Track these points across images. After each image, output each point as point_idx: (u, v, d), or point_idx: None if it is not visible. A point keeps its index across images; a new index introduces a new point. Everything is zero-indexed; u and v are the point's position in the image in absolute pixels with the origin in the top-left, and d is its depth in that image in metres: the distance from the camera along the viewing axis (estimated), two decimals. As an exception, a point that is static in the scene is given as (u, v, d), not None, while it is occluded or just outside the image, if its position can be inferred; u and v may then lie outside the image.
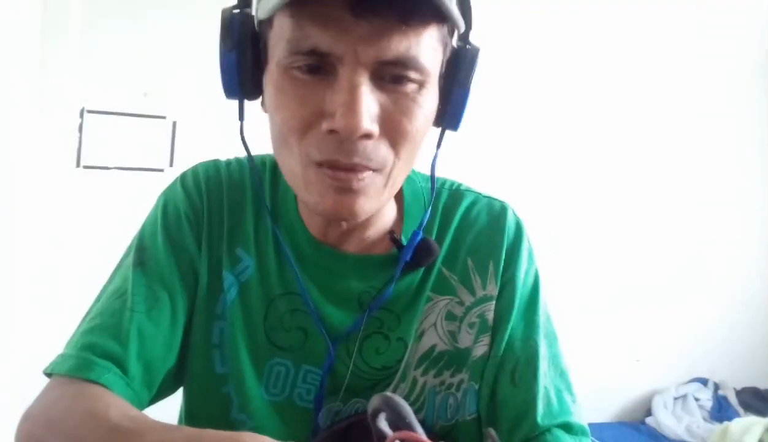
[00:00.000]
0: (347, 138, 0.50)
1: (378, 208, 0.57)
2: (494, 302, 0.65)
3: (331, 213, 0.54)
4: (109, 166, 1.95)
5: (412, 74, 0.51)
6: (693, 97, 2.64)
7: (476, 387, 0.65)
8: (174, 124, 1.99)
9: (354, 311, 0.64)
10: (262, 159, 0.70)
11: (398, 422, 0.46)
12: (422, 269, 0.65)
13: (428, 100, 0.54)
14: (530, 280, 0.68)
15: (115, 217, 1.94)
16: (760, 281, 2.79)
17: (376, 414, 0.48)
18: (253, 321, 0.64)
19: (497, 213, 0.68)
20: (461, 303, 0.65)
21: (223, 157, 0.72)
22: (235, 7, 0.56)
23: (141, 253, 0.64)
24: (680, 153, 2.64)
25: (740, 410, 2.53)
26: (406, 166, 0.56)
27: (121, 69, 1.93)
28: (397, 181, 0.57)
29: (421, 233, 0.64)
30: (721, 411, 2.51)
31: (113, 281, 0.65)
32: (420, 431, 0.46)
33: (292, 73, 0.51)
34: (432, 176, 0.65)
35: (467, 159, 2.26)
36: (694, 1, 2.59)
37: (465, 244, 0.67)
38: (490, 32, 2.35)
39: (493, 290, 0.66)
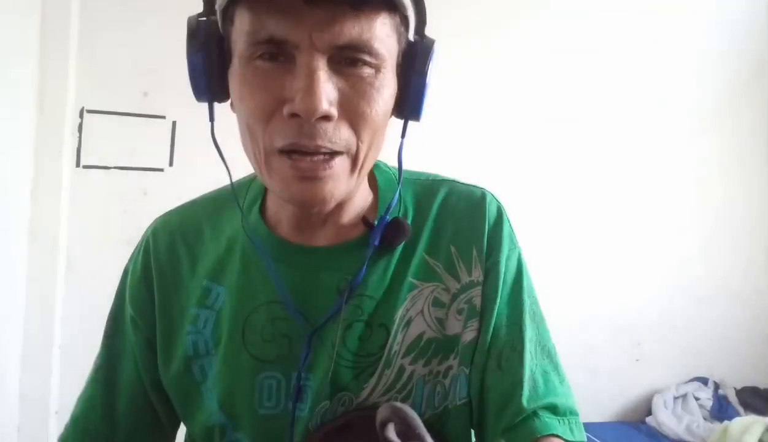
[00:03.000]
0: (307, 121, 0.52)
1: (346, 193, 0.58)
2: (481, 288, 0.66)
3: (299, 200, 0.56)
4: (109, 166, 1.95)
5: (367, 58, 0.54)
6: (690, 95, 2.64)
7: (467, 372, 0.65)
8: (174, 124, 1.99)
9: (335, 302, 0.63)
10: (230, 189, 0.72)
11: (408, 433, 0.46)
12: (398, 253, 0.65)
13: (385, 85, 0.56)
14: (513, 264, 0.68)
15: (115, 217, 1.95)
16: (760, 281, 2.79)
17: (384, 424, 0.47)
18: (232, 343, 0.65)
19: (477, 199, 0.69)
20: (447, 290, 0.66)
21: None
22: (200, 15, 0.59)
23: (109, 324, 0.73)
24: (680, 152, 2.64)
25: (740, 409, 2.53)
26: (371, 150, 0.58)
27: (121, 69, 1.93)
28: (365, 166, 0.58)
29: (388, 217, 0.65)
30: (721, 410, 2.51)
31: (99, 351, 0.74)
32: (430, 441, 0.45)
33: (254, 64, 0.54)
34: (399, 165, 0.66)
35: (465, 157, 2.26)
36: (692, 1, 2.59)
37: (446, 231, 0.67)
38: (489, 30, 2.36)
39: (478, 275, 0.66)
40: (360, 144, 0.56)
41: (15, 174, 1.71)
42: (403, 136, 0.64)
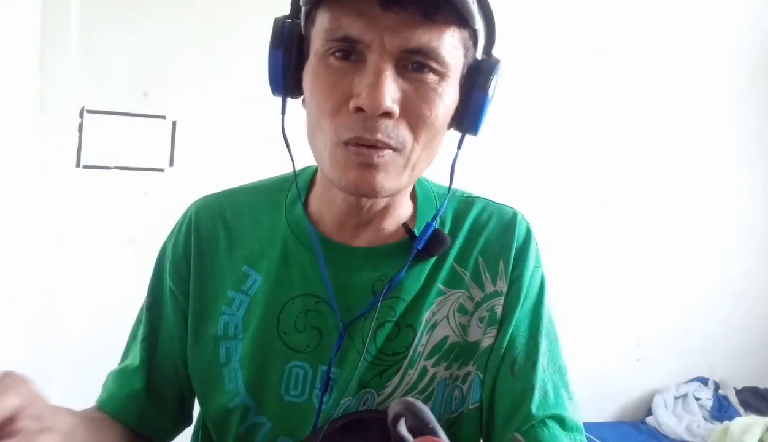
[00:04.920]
0: (371, 116, 0.55)
1: (396, 189, 0.61)
2: (503, 298, 0.69)
3: (353, 187, 0.58)
4: (109, 166, 1.95)
5: (433, 64, 0.57)
6: (689, 95, 2.64)
7: (481, 377, 0.68)
8: (174, 124, 1.99)
9: (368, 300, 0.67)
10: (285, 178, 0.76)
11: (421, 428, 0.46)
12: (432, 261, 0.69)
13: (447, 92, 0.59)
14: (536, 281, 0.72)
15: (115, 217, 1.95)
16: (760, 280, 2.79)
17: (397, 420, 0.47)
18: (267, 329, 0.68)
19: (508, 218, 0.73)
20: (471, 298, 0.69)
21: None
22: (286, 17, 0.64)
23: (149, 298, 0.76)
24: (679, 152, 2.64)
25: (741, 409, 2.53)
26: (425, 152, 0.60)
27: (121, 69, 1.93)
28: (417, 167, 0.61)
29: (434, 224, 0.68)
30: (721, 410, 2.51)
31: (137, 322, 0.77)
32: (443, 437, 0.45)
33: (328, 60, 0.58)
34: (451, 174, 0.69)
35: (472, 160, 2.26)
36: (690, 1, 2.59)
37: (477, 244, 0.71)
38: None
39: (502, 286, 0.70)
40: (415, 144, 0.58)
41: (15, 174, 1.70)
42: (459, 147, 0.67)
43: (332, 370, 0.66)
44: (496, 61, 0.63)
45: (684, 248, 2.67)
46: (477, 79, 0.62)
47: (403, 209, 0.70)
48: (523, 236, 0.72)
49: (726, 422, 2.17)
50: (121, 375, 0.74)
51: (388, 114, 0.55)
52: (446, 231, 0.71)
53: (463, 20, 0.57)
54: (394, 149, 0.58)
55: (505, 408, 0.66)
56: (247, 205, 0.74)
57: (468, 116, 0.63)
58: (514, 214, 0.74)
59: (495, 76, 0.63)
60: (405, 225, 0.68)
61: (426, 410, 0.47)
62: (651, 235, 2.63)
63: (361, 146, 0.57)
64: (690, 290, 2.69)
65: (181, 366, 0.72)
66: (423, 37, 0.55)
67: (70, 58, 1.85)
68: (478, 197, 0.76)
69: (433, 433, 0.45)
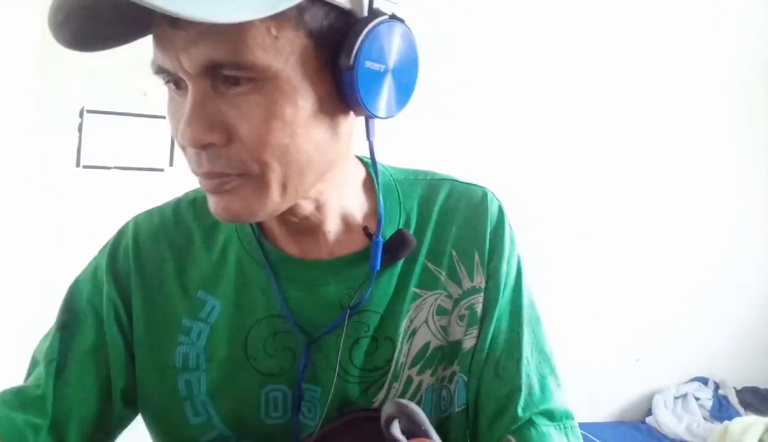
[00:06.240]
0: (194, 150, 0.49)
1: (272, 208, 0.53)
2: (482, 294, 0.65)
3: (217, 215, 0.53)
4: (109, 166, 1.95)
5: (244, 74, 0.47)
6: (690, 97, 2.64)
7: (465, 380, 0.65)
8: (174, 124, 1.99)
9: (338, 316, 0.62)
10: None
11: (413, 429, 0.46)
12: (401, 264, 0.63)
13: (275, 98, 0.48)
14: (513, 267, 0.67)
15: (115, 217, 1.94)
16: (760, 281, 2.79)
17: (389, 422, 0.47)
18: (235, 358, 0.62)
19: (478, 200, 0.67)
20: (450, 297, 0.65)
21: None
22: None
23: (64, 316, 0.69)
24: (681, 152, 2.64)
25: (740, 409, 2.53)
26: (289, 169, 0.51)
27: (121, 69, 1.93)
28: (289, 186, 0.52)
29: (386, 223, 0.63)
30: (721, 410, 2.51)
31: (42, 341, 0.68)
32: (436, 439, 0.45)
33: (169, 93, 0.52)
34: (374, 167, 0.60)
35: (468, 156, 2.27)
36: (692, 2, 2.59)
37: (448, 236, 0.65)
38: (490, 30, 2.36)
39: (480, 281, 0.65)
40: (266, 164, 0.49)
41: (15, 174, 1.71)
42: (368, 137, 0.56)
43: (311, 389, 0.62)
44: (367, 23, 0.49)
45: (684, 248, 2.67)
46: (335, 58, 0.49)
47: (350, 205, 0.63)
48: (495, 218, 0.66)
49: (726, 422, 2.17)
50: (20, 397, 0.62)
51: (208, 145, 0.48)
52: (413, 224, 0.65)
53: (266, 4, 0.44)
54: (240, 175, 0.50)
55: (490, 411, 0.63)
56: (196, 222, 0.66)
57: (347, 100, 0.51)
58: (484, 194, 0.67)
59: (370, 42, 0.49)
60: (366, 231, 0.61)
61: (419, 411, 0.46)
62: (651, 235, 2.63)
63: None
64: (690, 290, 2.69)
65: (121, 397, 0.63)
66: (217, 47, 0.45)
67: (70, 58, 1.85)
68: (444, 179, 0.69)
69: (425, 435, 0.45)
